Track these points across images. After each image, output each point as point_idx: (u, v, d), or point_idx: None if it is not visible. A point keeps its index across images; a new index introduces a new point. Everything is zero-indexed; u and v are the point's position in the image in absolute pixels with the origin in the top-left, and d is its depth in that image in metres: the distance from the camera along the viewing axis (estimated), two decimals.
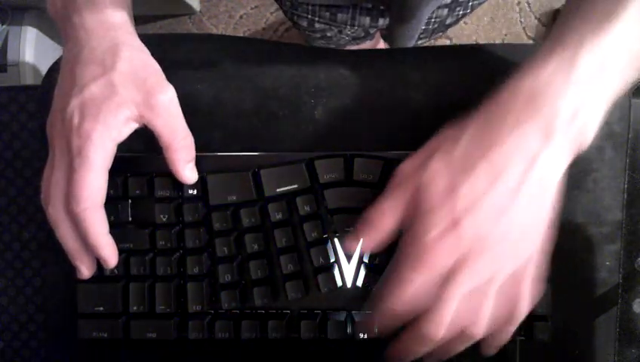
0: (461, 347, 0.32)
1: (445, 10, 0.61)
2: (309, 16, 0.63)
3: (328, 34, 0.67)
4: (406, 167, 0.32)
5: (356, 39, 0.71)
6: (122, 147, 0.33)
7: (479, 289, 0.30)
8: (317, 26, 0.64)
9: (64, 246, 0.34)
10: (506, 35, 1.32)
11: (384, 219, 0.32)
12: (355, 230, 0.33)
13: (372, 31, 0.67)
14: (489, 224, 0.29)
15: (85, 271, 0.35)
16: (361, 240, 0.33)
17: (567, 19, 0.31)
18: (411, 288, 0.30)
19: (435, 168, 0.30)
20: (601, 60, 0.29)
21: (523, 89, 0.30)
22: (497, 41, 1.32)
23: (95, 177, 0.32)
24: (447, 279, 0.29)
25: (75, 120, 0.32)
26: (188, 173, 0.36)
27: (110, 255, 0.34)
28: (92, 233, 0.33)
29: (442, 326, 0.30)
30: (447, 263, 0.29)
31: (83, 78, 0.32)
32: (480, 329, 0.31)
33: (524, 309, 0.31)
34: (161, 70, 0.35)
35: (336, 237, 0.38)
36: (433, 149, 0.31)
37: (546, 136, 0.28)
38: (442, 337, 0.30)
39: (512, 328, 0.32)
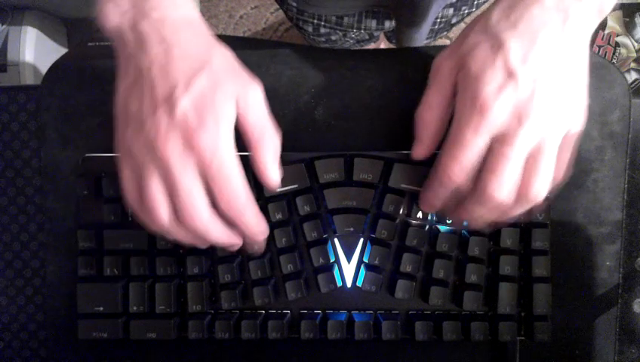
0: (520, 210, 0.31)
1: (451, 10, 0.61)
2: (315, 21, 0.62)
3: (333, 37, 0.67)
4: (442, 54, 0.32)
5: (360, 42, 0.71)
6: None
7: (541, 148, 0.29)
8: (322, 30, 0.64)
9: (220, 245, 0.33)
10: None
11: (434, 110, 0.32)
12: (415, 137, 0.34)
13: (377, 34, 0.67)
14: (542, 71, 0.29)
15: (239, 243, 0.34)
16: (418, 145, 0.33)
17: None
18: (472, 151, 0.29)
19: (475, 37, 0.30)
20: None
21: None
22: None
23: (238, 170, 0.30)
24: (509, 135, 0.29)
25: (193, 118, 0.29)
26: (276, 174, 0.33)
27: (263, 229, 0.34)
28: (250, 225, 0.32)
29: (508, 186, 0.29)
30: (509, 118, 0.29)
31: (184, 74, 0.30)
32: (543, 189, 0.30)
33: (564, 173, 0.32)
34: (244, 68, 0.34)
35: (336, 237, 0.38)
36: (467, 30, 0.32)
37: None
38: (507, 198, 0.30)
39: (549, 191, 0.31)
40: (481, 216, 0.32)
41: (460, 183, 0.31)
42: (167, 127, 0.29)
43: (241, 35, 1.34)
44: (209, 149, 0.29)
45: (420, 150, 0.34)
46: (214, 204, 0.31)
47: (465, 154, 0.30)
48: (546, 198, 0.31)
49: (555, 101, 0.29)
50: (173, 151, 0.29)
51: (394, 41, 0.85)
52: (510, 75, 0.29)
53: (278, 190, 0.37)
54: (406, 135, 0.40)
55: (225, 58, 0.32)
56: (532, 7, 0.29)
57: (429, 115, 0.33)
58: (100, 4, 0.31)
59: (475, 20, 0.32)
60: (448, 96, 0.32)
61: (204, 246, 0.33)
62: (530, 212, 0.32)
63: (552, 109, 0.29)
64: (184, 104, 0.29)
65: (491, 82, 0.29)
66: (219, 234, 0.32)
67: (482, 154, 0.30)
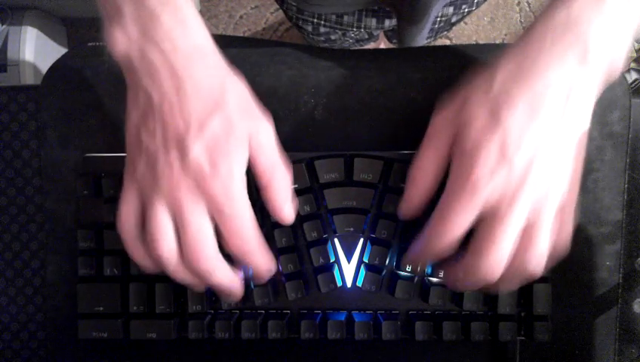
0: (512, 286, 0.31)
1: (451, 9, 0.61)
2: (315, 20, 0.62)
3: (332, 37, 0.67)
4: (441, 114, 0.32)
5: (360, 41, 0.71)
6: (123, 147, 0.33)
7: (535, 224, 0.29)
8: (322, 30, 0.64)
9: (219, 288, 0.33)
10: (506, 35, 1.32)
11: (427, 170, 0.32)
12: (404, 192, 0.33)
13: (377, 33, 0.67)
14: (538, 151, 0.28)
15: (240, 290, 0.34)
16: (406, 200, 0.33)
17: None
18: (458, 226, 0.29)
19: (474, 107, 0.30)
20: None
21: (556, 20, 0.29)
22: (497, 41, 1.32)
23: (250, 214, 0.31)
24: (500, 215, 0.29)
25: (205, 165, 0.29)
26: (288, 211, 0.33)
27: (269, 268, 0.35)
28: (265, 265, 0.33)
29: (500, 265, 0.29)
30: (500, 198, 0.28)
31: (197, 115, 0.29)
32: (540, 265, 0.30)
33: (568, 242, 0.31)
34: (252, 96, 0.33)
35: (336, 237, 0.38)
36: (467, 93, 0.31)
37: (582, 63, 0.28)
38: (495, 274, 0.30)
39: (552, 263, 0.31)
40: (472, 285, 0.31)
41: (444, 255, 0.31)
42: (179, 171, 0.29)
43: (241, 35, 1.34)
44: (221, 195, 0.29)
45: (407, 209, 0.34)
46: (220, 245, 0.31)
47: (450, 230, 0.30)
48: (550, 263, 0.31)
49: (549, 180, 0.29)
50: (186, 194, 0.29)
51: (394, 41, 0.86)
52: (504, 157, 0.28)
53: None
54: (406, 135, 0.40)
55: (238, 94, 0.31)
56: (534, 82, 0.29)
57: (420, 176, 0.32)
58: (107, 27, 0.30)
59: (478, 80, 0.31)
60: (443, 159, 0.31)
61: (199, 289, 0.34)
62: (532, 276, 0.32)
63: (546, 188, 0.29)
64: (197, 150, 0.29)
65: (485, 164, 0.29)
66: (223, 275, 0.32)
67: (468, 229, 0.30)
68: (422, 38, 0.59)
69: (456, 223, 0.29)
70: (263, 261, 0.33)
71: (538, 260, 0.30)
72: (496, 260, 0.29)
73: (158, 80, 0.29)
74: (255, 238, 0.32)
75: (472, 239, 0.30)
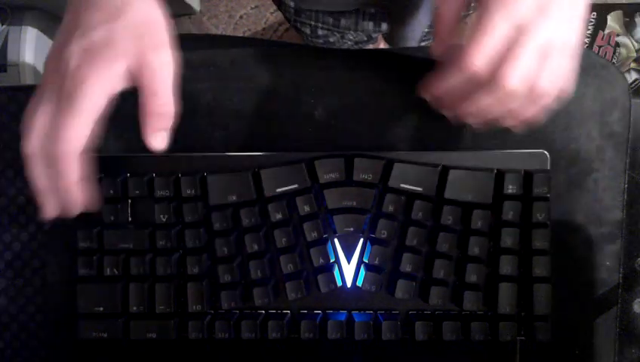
0: (522, 106, 0.33)
1: None
2: (313, 23, 0.62)
3: (331, 39, 0.67)
4: None
5: (358, 43, 0.71)
6: (122, 147, 0.33)
7: (556, 43, 0.31)
8: (320, 32, 0.64)
9: (33, 182, 0.33)
10: None
11: (450, 3, 0.33)
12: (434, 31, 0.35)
13: (375, 35, 0.67)
14: None
15: (50, 210, 0.34)
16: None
17: None
18: (498, 35, 0.30)
19: None
20: None
21: None
22: None
23: (80, 123, 0.31)
24: (528, 26, 0.30)
25: (72, 63, 0.31)
26: (155, 140, 0.34)
27: (75, 201, 0.34)
28: (63, 176, 0.32)
29: (521, 73, 0.31)
30: (533, 8, 0.30)
31: (88, 22, 0.32)
32: (552, 85, 0.31)
33: (569, 82, 0.33)
34: (166, 30, 0.34)
35: (336, 237, 0.38)
36: None
37: None
38: (519, 87, 0.31)
39: (551, 100, 0.33)
40: (487, 107, 0.33)
41: (480, 70, 0.31)
42: (56, 63, 0.32)
43: (241, 35, 1.34)
44: (66, 92, 0.31)
45: (439, 43, 0.35)
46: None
47: (489, 39, 0.31)
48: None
49: (569, 8, 0.31)
50: (53, 86, 0.32)
51: (390, 43, 0.85)
52: None
53: (278, 190, 0.37)
54: (406, 135, 0.40)
55: (136, 17, 0.32)
56: None
57: (445, 8, 0.34)
58: None
59: None
60: None
61: (46, 194, 0.34)
62: (533, 116, 0.33)
63: (572, 9, 0.31)
64: (72, 50, 0.31)
65: None
66: (73, 169, 0.32)
67: (504, 44, 0.31)
68: (413, 41, 0.59)
69: (494, 32, 0.30)
70: (67, 174, 0.32)
71: (552, 78, 0.31)
72: (519, 67, 0.30)
73: None
74: (69, 146, 0.31)
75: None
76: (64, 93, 0.31)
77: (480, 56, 0.31)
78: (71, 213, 0.34)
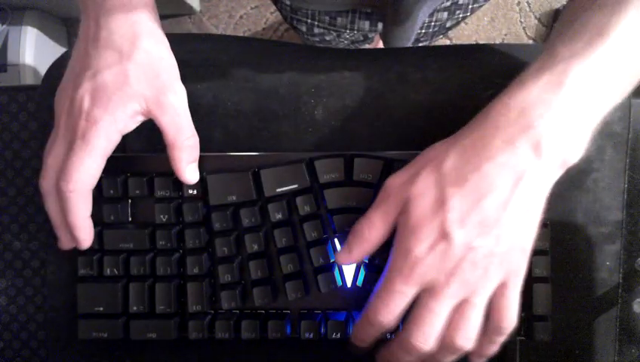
0: (448, 359, 0.32)
1: (445, 14, 0.61)
2: (309, 21, 0.63)
3: (327, 38, 0.67)
4: (394, 181, 0.33)
5: (355, 43, 0.71)
6: (122, 147, 0.33)
7: (468, 301, 0.30)
8: (316, 30, 0.64)
9: (49, 216, 0.35)
10: (506, 35, 1.32)
11: (372, 231, 0.33)
12: (345, 242, 0.34)
13: (371, 35, 0.67)
14: (478, 236, 0.29)
15: (65, 243, 0.36)
16: (351, 251, 0.34)
17: (560, 34, 0.31)
18: (400, 299, 0.31)
19: (423, 182, 0.31)
20: (592, 75, 0.29)
21: (514, 104, 0.29)
22: (497, 41, 1.32)
23: (91, 163, 0.32)
24: (436, 290, 0.30)
25: (85, 104, 0.32)
26: (189, 173, 0.36)
27: (84, 238, 0.35)
28: (72, 214, 0.33)
29: (431, 337, 0.30)
30: (437, 275, 0.29)
31: (98, 63, 0.32)
32: (469, 341, 0.31)
33: (512, 321, 0.31)
34: (176, 66, 0.35)
35: (336, 237, 0.38)
36: (421, 165, 0.32)
37: (536, 152, 0.28)
38: (430, 348, 0.31)
39: (501, 339, 0.32)
40: (405, 357, 0.32)
41: (388, 326, 0.32)
42: (70, 104, 0.33)
43: (241, 35, 1.34)
44: (79, 132, 0.32)
45: (346, 258, 0.34)
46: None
47: (393, 300, 0.31)
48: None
49: (487, 260, 0.29)
50: (67, 126, 0.33)
51: (385, 42, 0.85)
52: (444, 236, 0.29)
53: (278, 190, 0.37)
54: (406, 135, 0.40)
55: (147, 57, 0.33)
56: (484, 164, 0.29)
57: (368, 233, 0.33)
58: None
59: (434, 152, 0.32)
60: (389, 224, 0.32)
61: (58, 224, 0.35)
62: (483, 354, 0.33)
63: (484, 267, 0.29)
64: (84, 91, 0.32)
65: (425, 240, 0.29)
66: (80, 209, 0.33)
67: (410, 302, 0.31)
68: (407, 41, 0.59)
69: (399, 294, 0.30)
70: (74, 212, 0.33)
71: (467, 336, 0.30)
72: (428, 331, 0.30)
73: (85, 24, 0.34)
74: (78, 185, 0.32)
75: (409, 313, 0.31)
76: (78, 134, 0.32)
77: (385, 316, 0.31)
78: (81, 247, 0.35)
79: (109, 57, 0.32)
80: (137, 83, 0.32)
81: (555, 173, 0.30)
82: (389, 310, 0.31)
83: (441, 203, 0.29)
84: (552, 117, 0.28)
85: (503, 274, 0.30)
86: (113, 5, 0.33)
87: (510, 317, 0.31)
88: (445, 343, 0.31)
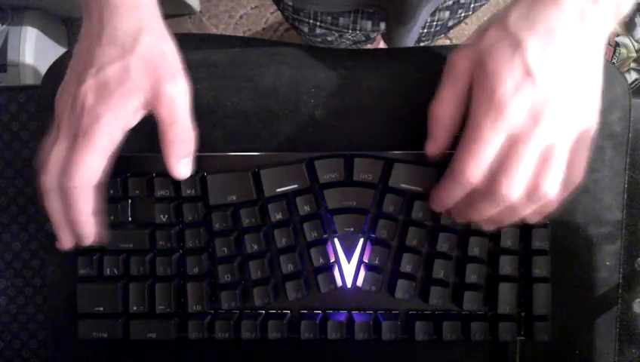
0: (529, 210, 0.31)
1: (447, 13, 0.61)
2: (311, 21, 0.62)
3: (329, 38, 0.67)
4: (458, 52, 0.32)
5: (357, 43, 0.71)
6: (122, 147, 0.33)
7: (554, 146, 0.30)
8: (318, 31, 0.64)
9: (50, 214, 0.34)
10: None
11: (445, 107, 0.32)
12: (428, 134, 0.34)
13: (373, 35, 0.67)
14: (560, 72, 0.29)
15: (66, 242, 0.35)
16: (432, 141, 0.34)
17: None
18: (490, 148, 0.30)
19: (492, 35, 0.30)
20: None
21: None
22: None
23: (95, 159, 0.32)
24: (525, 134, 0.29)
25: (88, 101, 0.32)
26: (180, 168, 0.35)
27: (88, 234, 0.35)
28: (76, 210, 0.33)
29: (521, 185, 0.30)
30: (525, 117, 0.29)
31: (101, 59, 0.32)
32: (554, 187, 0.30)
33: (581, 174, 0.31)
34: (179, 60, 0.35)
35: (336, 237, 0.38)
36: (484, 27, 0.32)
37: (594, 1, 0.29)
38: (519, 196, 0.30)
39: (566, 194, 0.32)
40: (491, 215, 0.32)
41: (476, 182, 0.31)
42: (72, 101, 0.32)
43: (241, 35, 1.34)
44: (82, 128, 0.32)
45: (434, 147, 0.35)
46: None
47: (482, 150, 0.30)
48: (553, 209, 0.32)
49: (570, 102, 0.29)
50: (69, 123, 0.32)
51: (387, 42, 0.85)
52: (528, 73, 0.29)
53: (278, 190, 0.37)
54: (406, 135, 0.40)
55: (149, 51, 0.33)
56: (550, 8, 0.30)
57: (442, 111, 0.33)
58: None
59: (492, 19, 0.32)
60: (463, 92, 0.32)
61: (61, 223, 0.34)
62: (539, 214, 0.32)
63: (567, 110, 0.29)
64: (87, 87, 0.32)
65: (509, 80, 0.29)
66: (83, 205, 0.33)
67: (498, 152, 0.30)
68: (410, 40, 0.59)
69: (488, 143, 0.29)
70: (78, 208, 0.33)
71: (554, 181, 0.30)
72: (519, 179, 0.29)
73: (88, 22, 0.34)
74: (83, 181, 0.32)
75: (497, 163, 0.30)
76: (81, 130, 0.32)
77: (474, 169, 0.30)
78: (83, 244, 0.35)
79: (112, 53, 0.32)
80: (138, 76, 0.32)
81: (610, 21, 0.30)
82: (478, 162, 0.30)
83: (517, 45, 0.29)
84: None
85: (582, 120, 0.30)
86: (117, 3, 0.33)
87: (580, 171, 0.31)
88: (530, 191, 0.30)
